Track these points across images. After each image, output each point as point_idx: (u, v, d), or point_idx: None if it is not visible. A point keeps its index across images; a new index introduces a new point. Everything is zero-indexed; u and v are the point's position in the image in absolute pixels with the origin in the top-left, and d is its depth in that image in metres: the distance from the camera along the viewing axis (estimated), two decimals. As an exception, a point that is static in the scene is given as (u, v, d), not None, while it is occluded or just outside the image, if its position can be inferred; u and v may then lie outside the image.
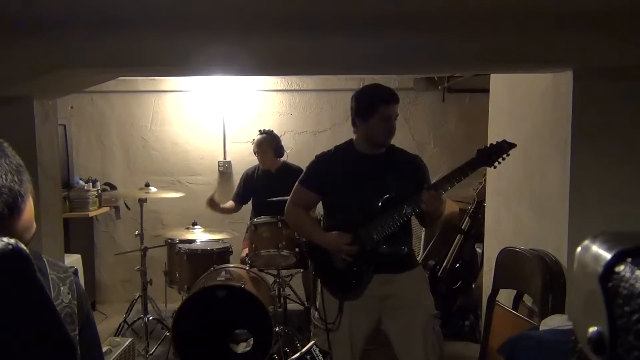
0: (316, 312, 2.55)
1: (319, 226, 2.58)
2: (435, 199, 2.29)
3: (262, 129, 4.29)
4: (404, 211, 2.33)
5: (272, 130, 4.29)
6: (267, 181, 4.18)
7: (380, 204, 2.37)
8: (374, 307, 2.46)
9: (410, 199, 2.33)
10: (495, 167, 2.38)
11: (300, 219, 2.61)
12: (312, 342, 1.37)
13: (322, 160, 2.55)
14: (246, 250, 3.95)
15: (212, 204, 4.23)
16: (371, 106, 2.40)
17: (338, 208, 2.52)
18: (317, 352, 1.33)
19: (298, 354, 1.33)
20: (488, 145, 2.38)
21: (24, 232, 0.92)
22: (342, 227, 2.44)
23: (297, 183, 2.59)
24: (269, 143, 4.18)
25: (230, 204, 4.40)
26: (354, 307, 2.43)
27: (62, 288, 0.98)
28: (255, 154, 4.23)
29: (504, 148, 2.33)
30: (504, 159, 2.35)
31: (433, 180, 2.45)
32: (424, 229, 4.69)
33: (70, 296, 0.99)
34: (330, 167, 2.51)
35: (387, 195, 2.37)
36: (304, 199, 2.56)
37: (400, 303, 2.44)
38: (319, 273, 2.56)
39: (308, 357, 1.32)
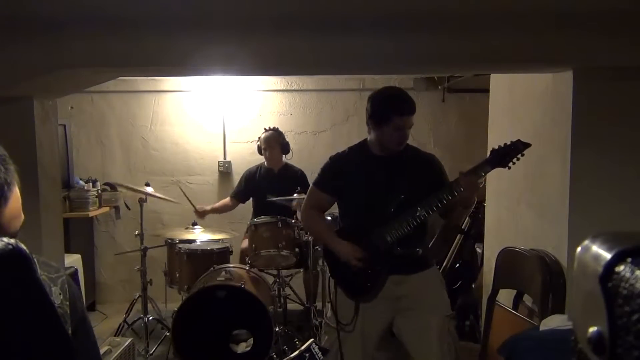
0: (329, 311, 2.53)
1: (333, 231, 2.56)
2: (474, 183, 2.27)
3: (267, 127, 4.31)
4: (417, 213, 2.30)
5: (277, 128, 4.31)
6: (269, 181, 4.19)
7: (393, 206, 2.35)
8: (387, 308, 2.44)
9: (423, 201, 2.30)
10: (509, 168, 2.32)
11: (315, 223, 2.61)
12: (311, 340, 1.36)
13: (336, 162, 2.54)
14: (246, 242, 3.95)
15: (201, 213, 4.25)
16: (385, 115, 2.37)
17: (352, 209, 2.51)
18: (317, 349, 1.32)
19: (297, 352, 1.33)
20: (502, 145, 2.31)
21: (11, 221, 0.92)
22: (356, 229, 2.43)
23: (311, 185, 2.60)
24: (276, 139, 4.21)
25: (225, 201, 4.40)
26: (367, 308, 2.41)
27: (53, 288, 0.97)
28: (262, 150, 4.23)
29: (518, 148, 2.28)
30: (518, 159, 2.30)
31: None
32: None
33: (62, 297, 0.98)
34: (345, 168, 2.50)
35: (402, 197, 2.35)
36: (318, 201, 2.56)
37: (414, 303, 2.42)
38: (334, 274, 2.55)
39: (307, 355, 1.31)
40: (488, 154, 2.38)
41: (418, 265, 2.46)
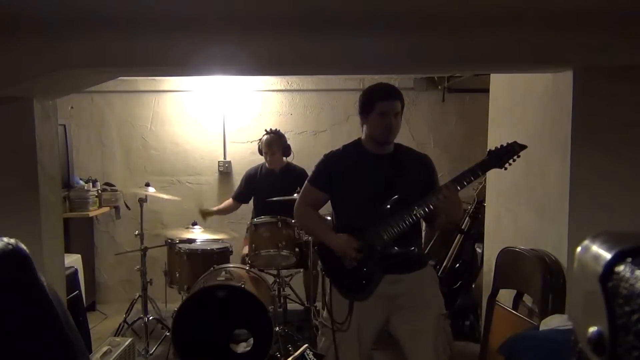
0: (324, 312, 2.53)
1: (328, 226, 2.57)
2: (453, 195, 2.27)
3: (268, 129, 4.28)
4: (413, 212, 2.32)
5: (279, 130, 4.29)
6: (270, 181, 4.18)
7: (389, 204, 2.36)
8: (383, 307, 2.44)
9: (419, 199, 2.32)
10: (505, 169, 2.37)
11: (310, 219, 2.60)
12: (306, 345, 1.35)
13: (331, 160, 2.54)
14: (246, 248, 3.95)
15: (205, 214, 4.27)
16: (369, 103, 2.41)
17: (347, 208, 2.50)
18: (311, 355, 1.32)
19: (291, 358, 1.32)
20: (499, 146, 2.37)
21: None
22: (351, 227, 2.43)
23: (306, 182, 2.59)
24: (278, 143, 4.18)
25: (228, 202, 4.41)
26: (362, 307, 2.42)
27: None
28: (263, 153, 4.21)
29: (514, 149, 2.33)
30: (514, 160, 2.35)
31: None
32: (423, 230, 4.70)
33: None
34: (339, 166, 2.51)
35: (396, 196, 2.36)
36: (313, 198, 2.55)
37: (409, 303, 2.43)
38: (328, 273, 2.54)
39: None
40: (486, 154, 2.39)
41: (413, 264, 2.47)
